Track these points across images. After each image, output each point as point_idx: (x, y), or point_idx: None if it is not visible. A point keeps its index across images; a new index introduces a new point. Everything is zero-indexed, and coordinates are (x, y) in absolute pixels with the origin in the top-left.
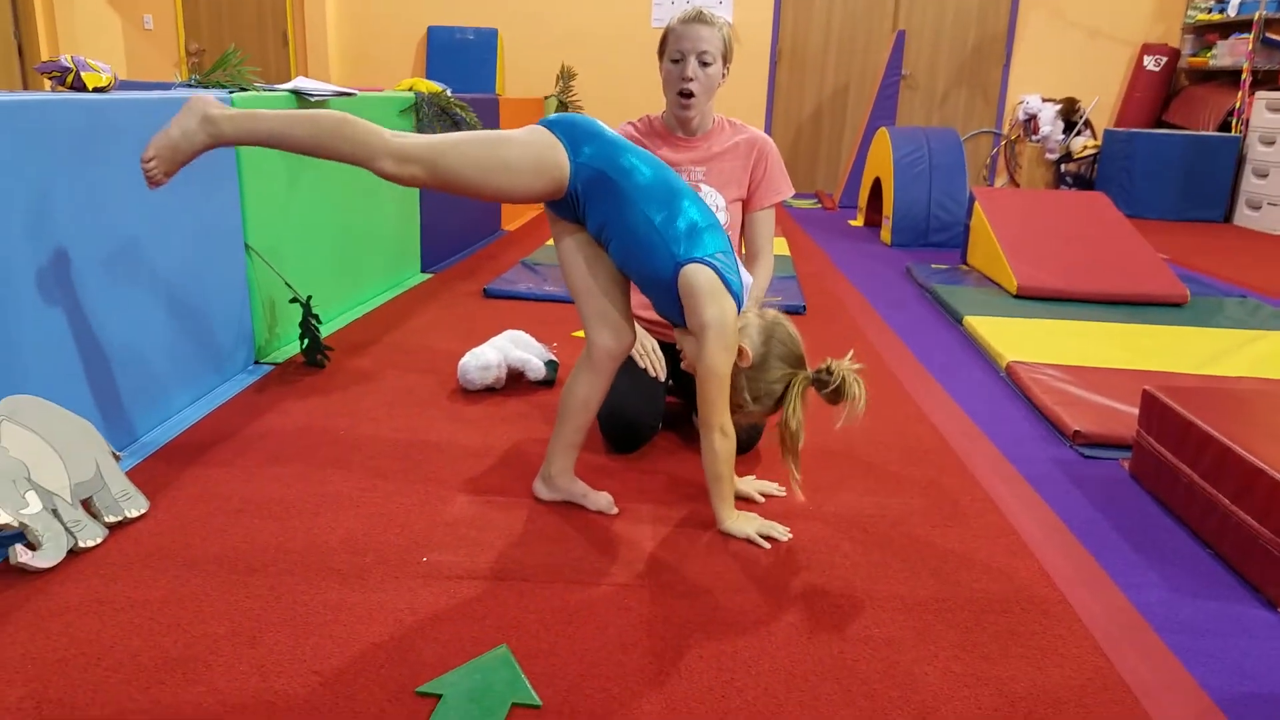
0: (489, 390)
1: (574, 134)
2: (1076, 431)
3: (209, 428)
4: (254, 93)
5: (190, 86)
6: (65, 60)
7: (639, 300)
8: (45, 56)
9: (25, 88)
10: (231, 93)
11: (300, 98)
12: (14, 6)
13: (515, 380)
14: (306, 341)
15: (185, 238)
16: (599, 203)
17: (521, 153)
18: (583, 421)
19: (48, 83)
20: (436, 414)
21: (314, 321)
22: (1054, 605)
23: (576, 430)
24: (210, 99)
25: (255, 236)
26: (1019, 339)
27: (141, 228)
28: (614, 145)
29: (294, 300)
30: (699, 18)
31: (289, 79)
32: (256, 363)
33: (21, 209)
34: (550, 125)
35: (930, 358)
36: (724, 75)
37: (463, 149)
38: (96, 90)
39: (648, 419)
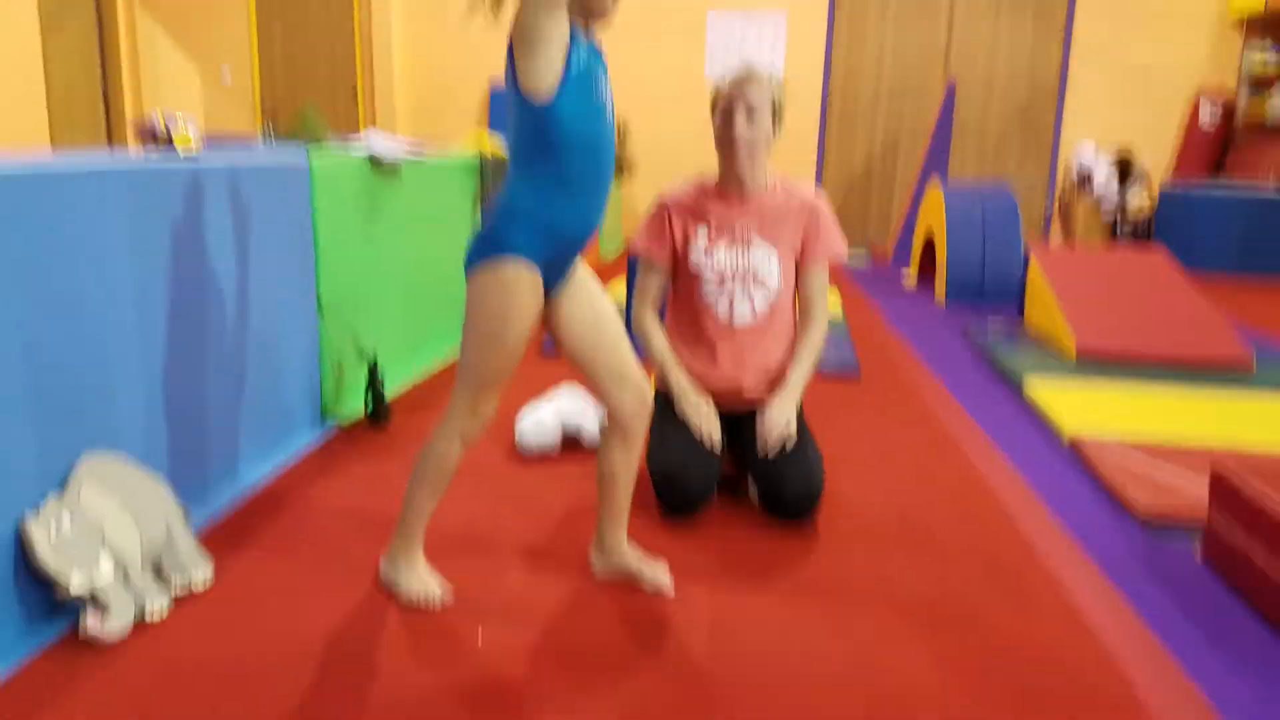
0: (544, 452)
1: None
2: (1144, 509)
3: (274, 489)
4: (330, 155)
5: (271, 145)
6: (158, 120)
7: (697, 364)
8: (130, 108)
9: (110, 139)
10: (308, 148)
11: (376, 164)
12: (102, 60)
13: (571, 444)
14: (371, 401)
15: (264, 296)
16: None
17: (517, 327)
18: (624, 491)
19: (140, 139)
20: (493, 477)
21: (379, 381)
22: (1119, 696)
23: (620, 501)
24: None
25: (328, 294)
26: (1081, 406)
27: (223, 286)
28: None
29: (362, 358)
30: (749, 75)
31: (358, 129)
32: (322, 421)
33: (115, 270)
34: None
35: (990, 423)
36: (776, 133)
37: (475, 369)
38: (186, 149)
39: (703, 484)
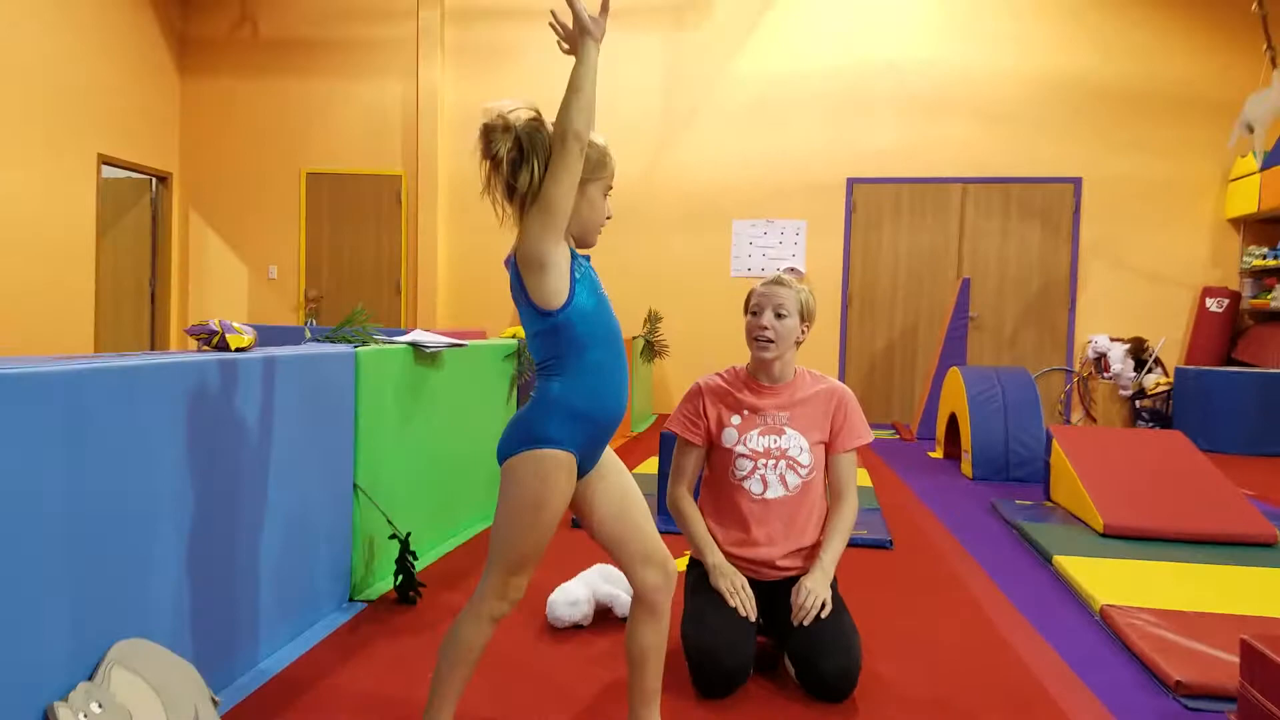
0: (576, 627)
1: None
2: (1179, 681)
3: (302, 670)
4: (375, 346)
5: (317, 337)
6: (213, 323)
7: (731, 538)
8: (175, 304)
9: (152, 333)
10: (355, 347)
11: (418, 351)
12: (153, 258)
13: (603, 616)
14: (401, 578)
15: (300, 477)
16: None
17: (553, 513)
18: (654, 669)
19: (194, 342)
20: (525, 652)
21: (410, 559)
22: None
23: (651, 680)
24: None
25: (364, 474)
26: (1110, 580)
27: (262, 470)
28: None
29: (393, 537)
30: (778, 281)
31: (400, 323)
32: (351, 600)
33: (157, 460)
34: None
35: (1021, 597)
36: (803, 332)
37: (508, 552)
38: (239, 350)
39: (740, 661)
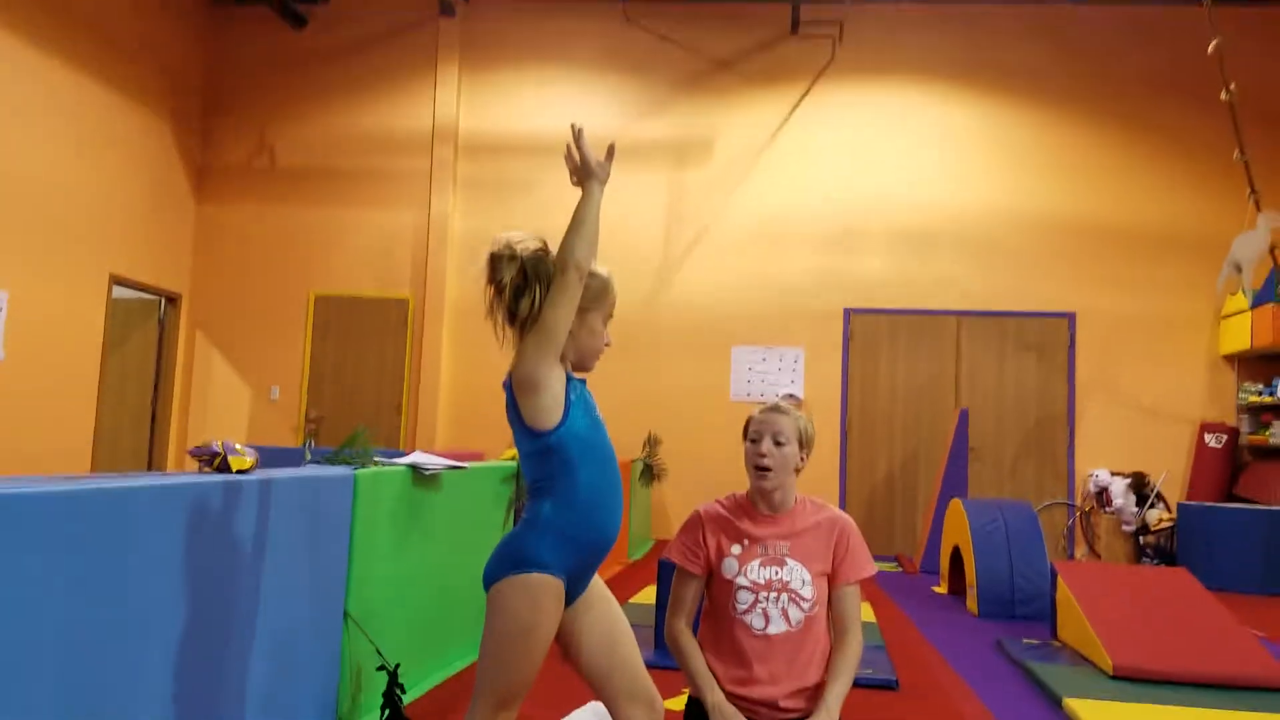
0: None
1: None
2: None
3: None
4: (375, 469)
5: (317, 460)
6: (215, 445)
7: (731, 675)
8: (175, 424)
9: (150, 453)
10: (355, 469)
11: (417, 473)
12: (157, 377)
13: None
14: (388, 712)
15: (290, 604)
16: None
17: (543, 640)
18: None
19: (197, 464)
20: None
21: (398, 691)
22: None
23: None
24: None
25: (355, 601)
26: None
27: (251, 595)
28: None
29: (381, 668)
30: (776, 408)
31: (399, 442)
32: None
33: (148, 585)
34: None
35: None
36: (802, 459)
37: (497, 682)
38: (240, 472)
39: None
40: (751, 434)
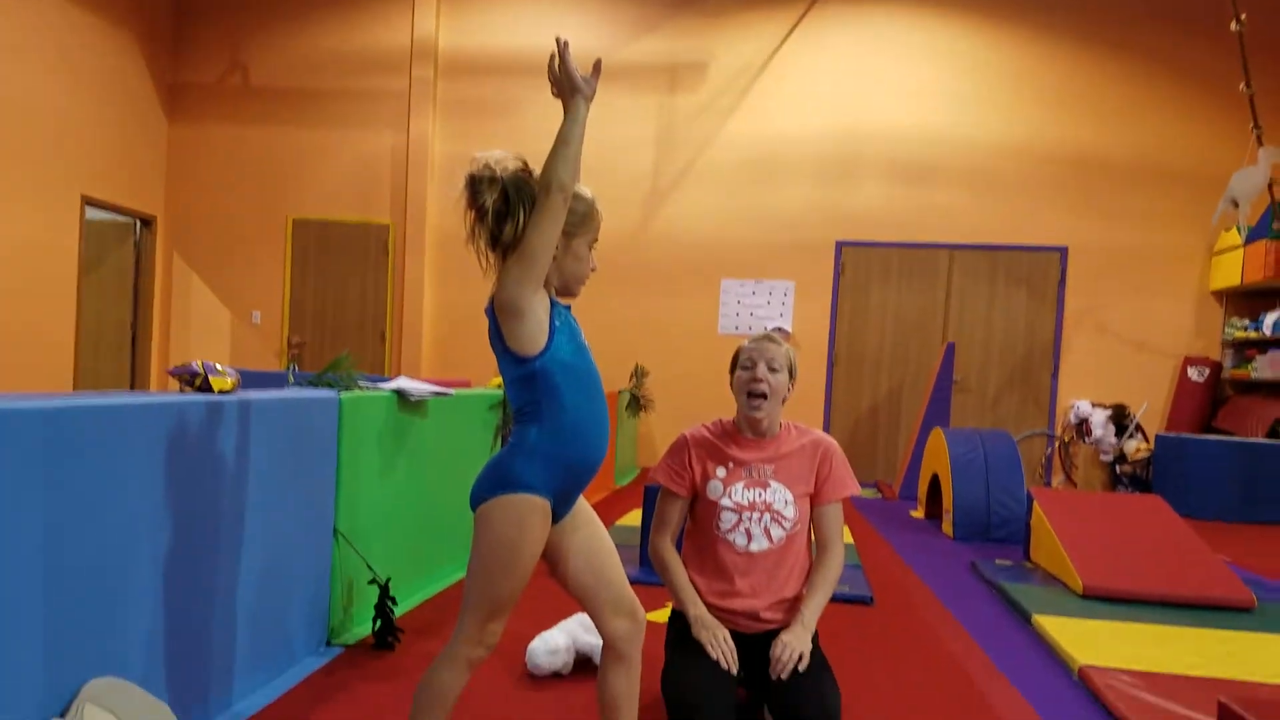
0: (556, 675)
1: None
2: None
3: (277, 713)
4: (359, 392)
5: (300, 382)
6: (196, 365)
7: (714, 589)
8: (156, 346)
9: (133, 375)
10: (339, 392)
11: (402, 398)
12: (135, 300)
13: (583, 666)
14: (379, 623)
15: (280, 521)
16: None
17: (529, 559)
18: (627, 717)
19: (177, 383)
20: (503, 702)
21: (390, 604)
22: None
23: None
24: None
25: (345, 518)
26: (1089, 641)
27: (241, 513)
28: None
29: (372, 582)
30: (768, 338)
31: (384, 371)
32: (328, 644)
33: (135, 500)
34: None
35: (1001, 657)
36: (789, 388)
37: (485, 597)
38: (222, 392)
39: (720, 715)
40: (744, 361)
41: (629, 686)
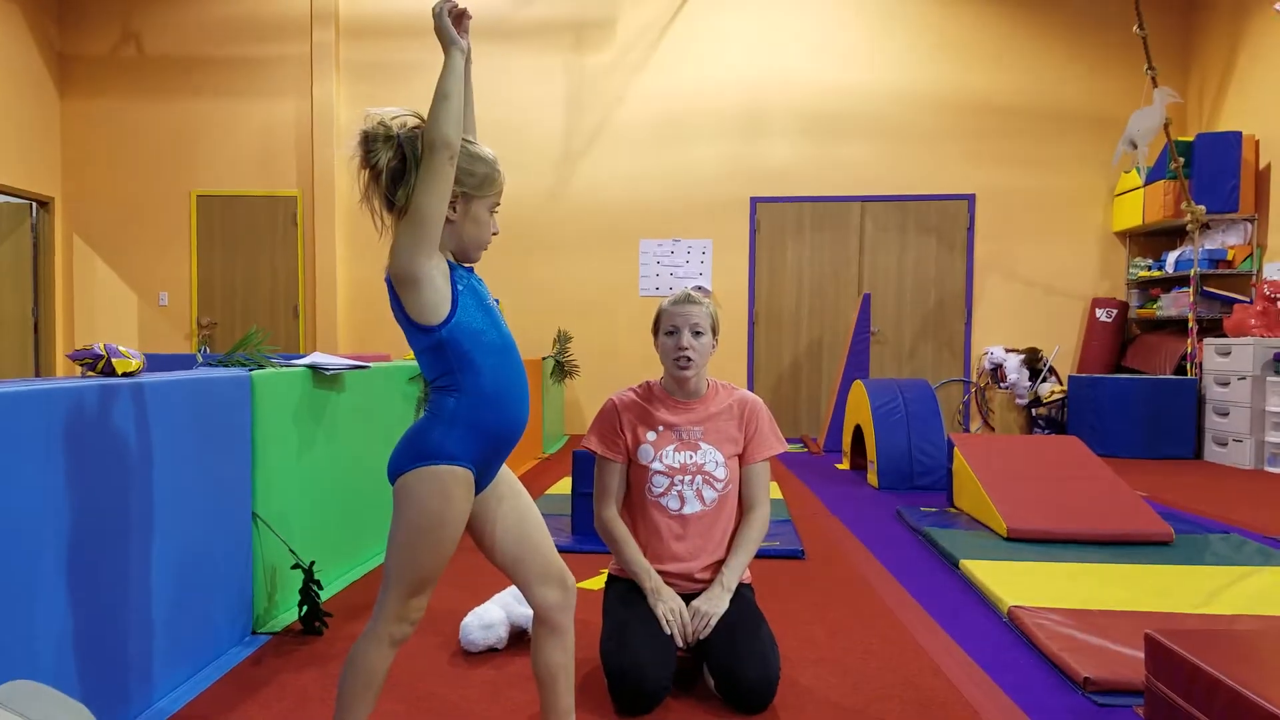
0: (491, 650)
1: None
2: (1087, 679)
3: (202, 708)
4: (271, 369)
5: (210, 362)
6: (98, 347)
7: (649, 553)
8: (60, 333)
9: (37, 364)
10: (250, 370)
11: (317, 373)
12: (35, 285)
13: (518, 639)
14: (305, 608)
15: (195, 507)
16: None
17: (454, 531)
18: (565, 688)
19: (79, 368)
20: (438, 680)
21: (315, 588)
22: None
23: (562, 698)
24: None
25: (263, 502)
26: (1017, 582)
27: (153, 499)
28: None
29: (296, 566)
30: (688, 299)
31: (299, 348)
32: (254, 633)
33: (37, 490)
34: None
35: (931, 602)
36: (714, 345)
37: (406, 572)
38: (126, 375)
39: (662, 680)
40: (668, 327)
41: (564, 656)
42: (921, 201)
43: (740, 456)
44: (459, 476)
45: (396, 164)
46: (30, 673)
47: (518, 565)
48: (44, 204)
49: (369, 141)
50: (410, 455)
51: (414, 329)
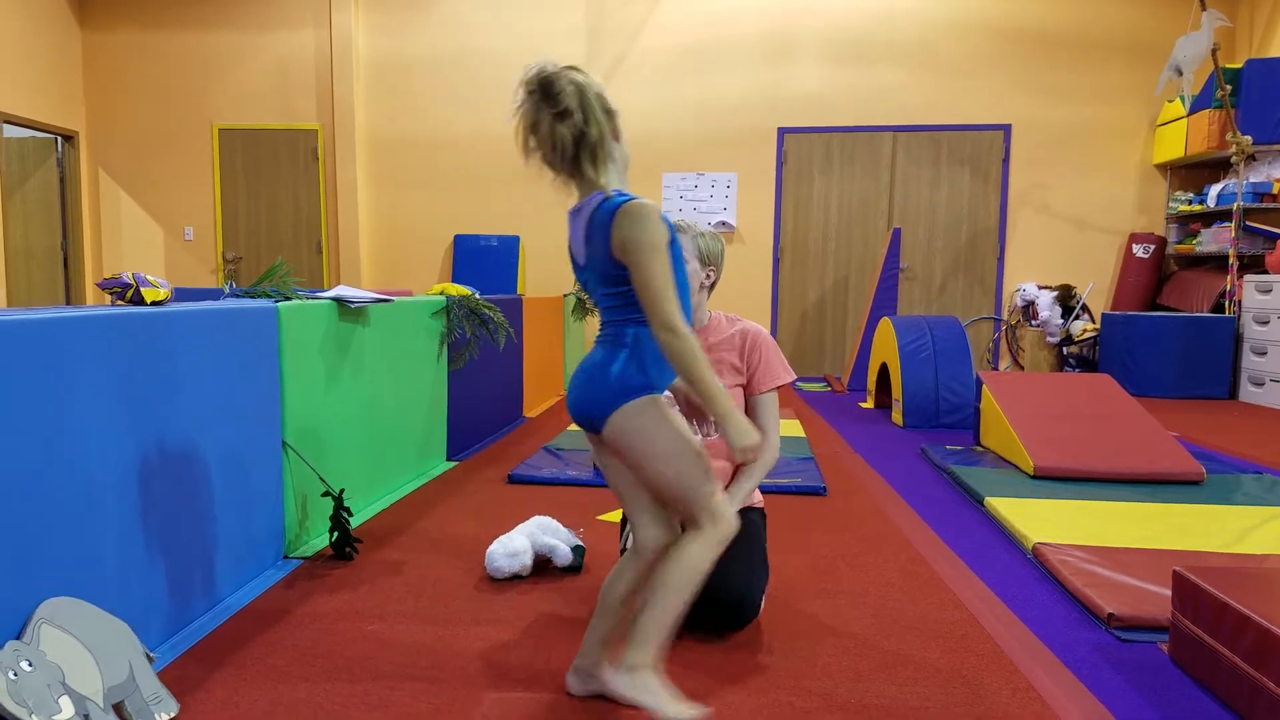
0: (516, 578)
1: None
2: (1111, 614)
3: (238, 627)
4: (298, 301)
5: (236, 295)
6: (126, 277)
7: None
8: (89, 266)
9: (67, 296)
10: (277, 301)
11: (342, 306)
12: (64, 219)
13: (542, 567)
14: (336, 534)
15: (227, 433)
16: None
17: (682, 428)
18: (622, 616)
19: (109, 297)
20: (464, 604)
21: (345, 515)
22: None
23: (615, 626)
24: None
25: (293, 431)
26: (1042, 520)
27: (188, 427)
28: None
29: (326, 494)
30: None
31: (323, 284)
32: (286, 558)
33: (83, 417)
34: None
35: (955, 539)
36: (707, 276)
37: (692, 478)
38: (154, 304)
39: (756, 595)
40: None
41: (638, 590)
42: (955, 131)
43: (745, 388)
44: (662, 399)
45: (580, 130)
46: (73, 590)
47: (633, 498)
48: (69, 138)
49: (550, 86)
50: (626, 391)
51: (623, 274)
